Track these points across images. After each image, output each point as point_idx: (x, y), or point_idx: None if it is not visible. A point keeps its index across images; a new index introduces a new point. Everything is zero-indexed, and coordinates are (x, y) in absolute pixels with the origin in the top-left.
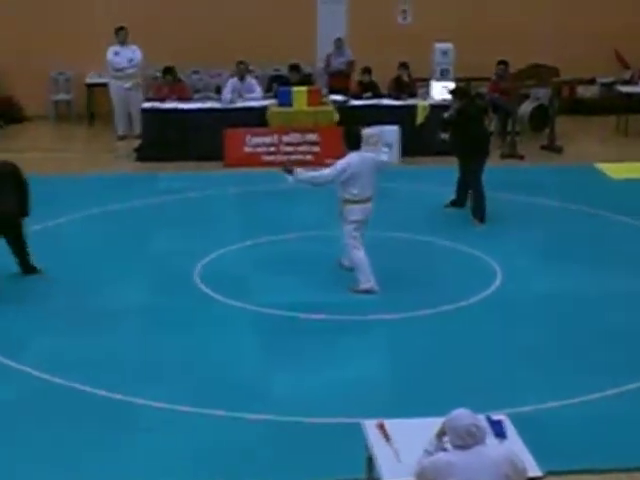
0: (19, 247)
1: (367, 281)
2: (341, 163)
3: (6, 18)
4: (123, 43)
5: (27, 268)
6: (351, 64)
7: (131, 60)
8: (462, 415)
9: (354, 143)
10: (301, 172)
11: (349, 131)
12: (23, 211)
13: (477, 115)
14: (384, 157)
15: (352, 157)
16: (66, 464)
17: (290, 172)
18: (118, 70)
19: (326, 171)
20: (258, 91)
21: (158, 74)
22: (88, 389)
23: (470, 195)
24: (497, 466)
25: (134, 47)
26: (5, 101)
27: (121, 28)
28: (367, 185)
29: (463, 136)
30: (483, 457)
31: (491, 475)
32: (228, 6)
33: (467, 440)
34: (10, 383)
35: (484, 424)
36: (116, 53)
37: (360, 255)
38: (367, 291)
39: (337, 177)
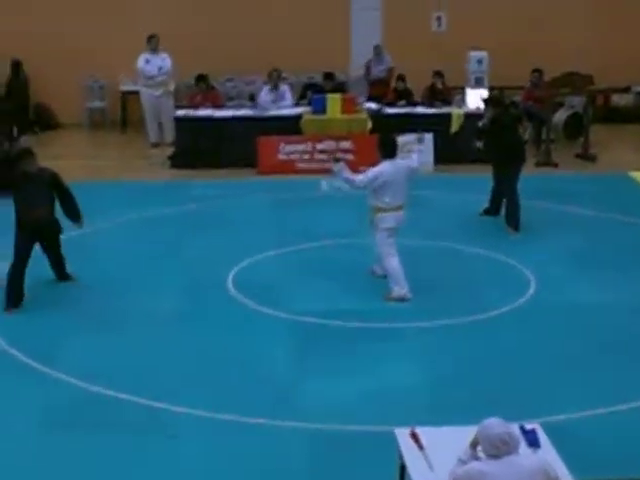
0: (54, 253)
1: (401, 289)
2: (373, 171)
3: (41, 28)
4: (154, 50)
5: (62, 275)
6: (390, 71)
7: (161, 68)
8: (495, 424)
9: (389, 151)
10: (344, 168)
11: (384, 139)
12: (74, 216)
13: (511, 123)
14: (413, 163)
15: (385, 165)
16: (96, 468)
17: (337, 161)
18: (149, 78)
19: (359, 177)
20: (289, 99)
21: (192, 82)
22: (121, 395)
23: (504, 203)
24: (530, 475)
25: (164, 55)
26: (40, 108)
27: (153, 36)
28: (399, 193)
29: (497, 144)
30: (516, 466)
31: None
32: (262, 14)
33: (500, 449)
34: (43, 389)
35: (517, 433)
36: (147, 61)
37: (394, 263)
38: (400, 299)
39: (369, 185)
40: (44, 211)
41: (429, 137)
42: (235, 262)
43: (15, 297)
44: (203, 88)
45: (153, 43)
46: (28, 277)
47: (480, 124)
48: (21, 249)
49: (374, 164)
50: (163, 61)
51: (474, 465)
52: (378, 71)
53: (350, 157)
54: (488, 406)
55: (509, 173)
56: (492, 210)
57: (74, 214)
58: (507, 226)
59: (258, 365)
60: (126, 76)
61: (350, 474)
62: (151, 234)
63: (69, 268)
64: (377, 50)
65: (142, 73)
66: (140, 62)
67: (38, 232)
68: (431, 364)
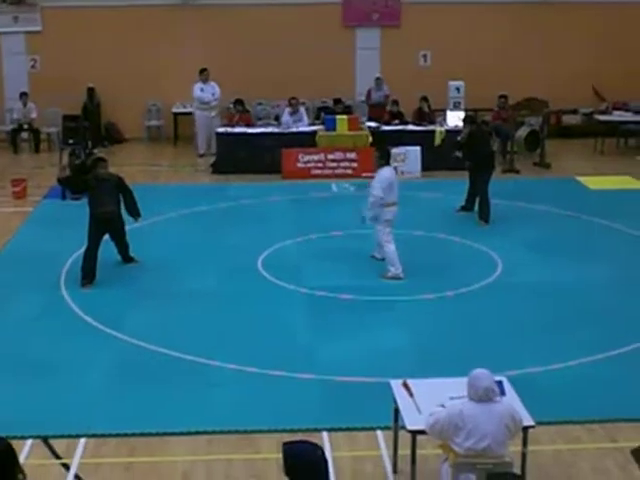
0: (120, 241)
1: (396, 269)
2: (381, 179)
3: (110, 61)
4: (205, 81)
5: (126, 258)
6: (387, 97)
7: (213, 94)
8: (484, 376)
9: (387, 159)
10: (365, 211)
11: (382, 149)
12: (134, 213)
13: (483, 138)
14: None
15: (387, 170)
16: (158, 412)
17: (363, 221)
18: (204, 103)
19: (375, 192)
20: (305, 120)
21: (230, 105)
22: (173, 353)
23: (477, 201)
24: (500, 417)
25: (214, 84)
26: (110, 126)
27: (204, 69)
28: (395, 192)
29: (473, 154)
30: (490, 410)
31: (495, 424)
32: (285, 52)
33: (483, 398)
34: (112, 348)
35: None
36: (201, 89)
37: (392, 248)
38: (395, 277)
39: (385, 189)
40: (111, 207)
41: (417, 149)
42: (264, 248)
43: (89, 275)
44: (240, 110)
45: (204, 75)
46: (99, 260)
47: (459, 138)
48: (93, 237)
49: (372, 171)
50: (214, 89)
51: (455, 405)
52: (378, 97)
53: (355, 165)
54: (465, 362)
55: (482, 177)
56: (467, 207)
57: (134, 211)
58: (479, 219)
59: (280, 328)
60: (178, 100)
61: (355, 415)
62: (196, 226)
63: (132, 252)
64: (378, 81)
65: (199, 99)
66: (196, 90)
67: (106, 224)
68: (419, 329)
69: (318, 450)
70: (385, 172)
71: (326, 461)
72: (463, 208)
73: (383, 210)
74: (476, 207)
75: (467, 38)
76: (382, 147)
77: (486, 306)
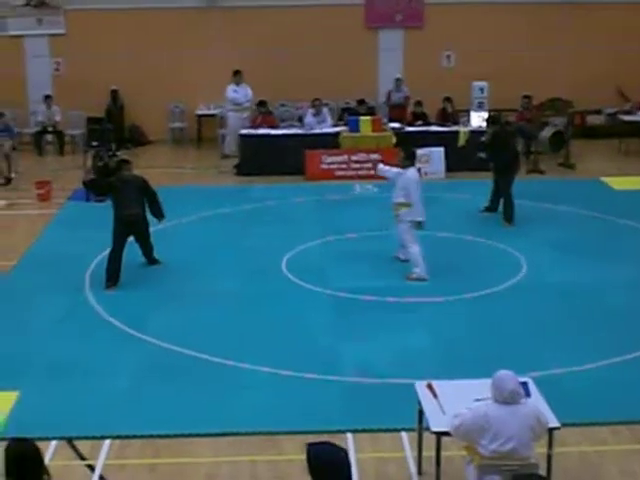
0: (145, 243)
1: (420, 271)
2: (411, 182)
3: (133, 64)
4: (239, 83)
5: (151, 260)
6: (407, 98)
7: (246, 95)
8: (509, 378)
9: (412, 160)
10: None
11: (407, 150)
12: (158, 215)
13: (507, 138)
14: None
15: (412, 172)
16: (183, 413)
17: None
18: (237, 104)
19: (414, 196)
20: (328, 121)
21: (254, 106)
22: (196, 354)
23: (502, 202)
24: (525, 419)
25: (246, 86)
26: (134, 128)
27: (238, 71)
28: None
29: (497, 155)
30: (515, 412)
31: (520, 426)
32: (309, 54)
33: (508, 400)
34: (136, 350)
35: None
36: (235, 91)
37: (416, 249)
38: (420, 279)
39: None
40: (136, 210)
41: (441, 150)
42: (288, 249)
43: (113, 277)
44: (263, 111)
45: (238, 77)
46: (123, 261)
47: (483, 139)
48: (117, 239)
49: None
50: (247, 91)
51: (480, 407)
52: (397, 98)
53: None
54: (489, 364)
55: (506, 178)
56: (492, 207)
57: (158, 213)
58: (504, 220)
59: (304, 330)
60: (201, 102)
61: (379, 417)
62: (220, 227)
63: (157, 254)
64: (397, 82)
65: (232, 100)
66: (229, 92)
67: (131, 226)
68: (443, 331)
69: (341, 452)
70: (411, 174)
71: (349, 463)
72: (487, 209)
73: (405, 210)
74: (500, 208)
75: (490, 39)
76: (407, 148)
77: (510, 307)
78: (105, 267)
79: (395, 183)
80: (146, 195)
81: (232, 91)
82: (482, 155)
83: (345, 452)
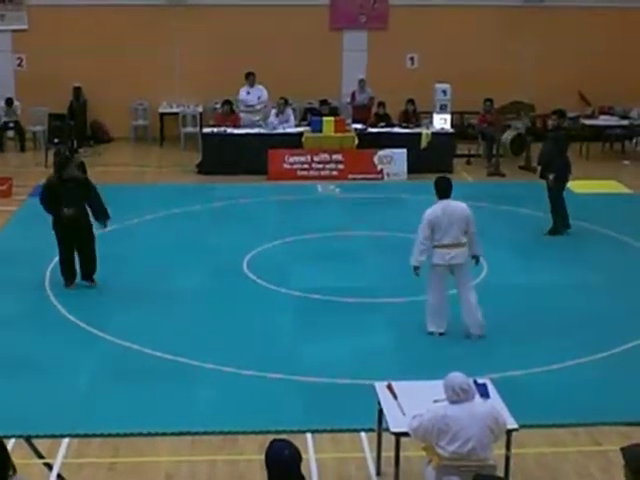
0: (85, 253)
1: (430, 326)
2: (424, 216)
3: (96, 61)
4: (252, 85)
5: (85, 276)
6: (371, 100)
7: (259, 97)
8: (457, 376)
9: (439, 193)
10: (414, 256)
11: (437, 184)
12: (100, 216)
13: (567, 141)
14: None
15: (435, 205)
16: (142, 412)
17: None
18: (249, 106)
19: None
20: (292, 121)
21: (217, 106)
22: (156, 353)
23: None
24: (483, 420)
25: (261, 87)
26: (95, 125)
27: (251, 73)
28: (447, 230)
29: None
30: (472, 411)
31: (478, 427)
32: (272, 54)
33: (460, 395)
34: (96, 348)
35: (473, 385)
36: (247, 92)
37: (431, 300)
38: (432, 333)
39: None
40: (74, 211)
41: (403, 152)
42: (249, 249)
43: (70, 276)
44: (226, 111)
45: (251, 79)
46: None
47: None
48: (60, 244)
49: (360, 172)
50: (261, 92)
51: (439, 408)
52: (361, 99)
53: (341, 166)
54: (449, 365)
55: (561, 185)
56: (559, 227)
57: (101, 214)
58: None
59: (265, 330)
60: (164, 100)
61: (339, 417)
62: (182, 226)
63: (114, 251)
64: (361, 83)
65: (243, 102)
66: (242, 94)
67: (69, 229)
68: (404, 331)
69: (286, 450)
70: (431, 207)
71: (295, 459)
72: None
73: (431, 252)
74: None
75: (454, 41)
76: (438, 181)
77: None
78: (60, 270)
79: None
80: (87, 198)
81: (244, 93)
82: (551, 177)
83: (292, 449)
